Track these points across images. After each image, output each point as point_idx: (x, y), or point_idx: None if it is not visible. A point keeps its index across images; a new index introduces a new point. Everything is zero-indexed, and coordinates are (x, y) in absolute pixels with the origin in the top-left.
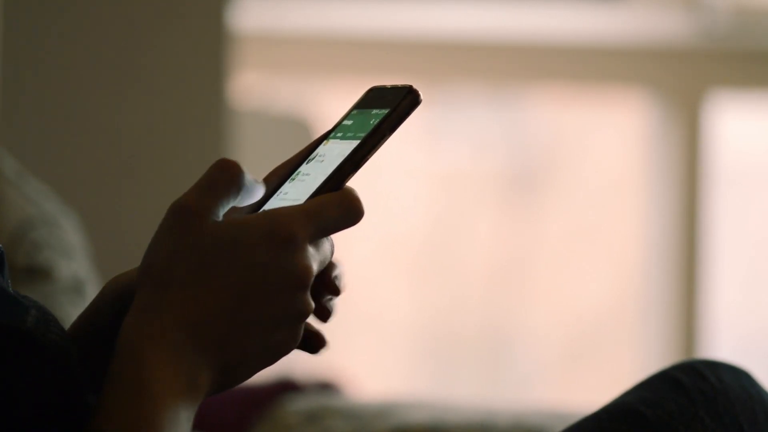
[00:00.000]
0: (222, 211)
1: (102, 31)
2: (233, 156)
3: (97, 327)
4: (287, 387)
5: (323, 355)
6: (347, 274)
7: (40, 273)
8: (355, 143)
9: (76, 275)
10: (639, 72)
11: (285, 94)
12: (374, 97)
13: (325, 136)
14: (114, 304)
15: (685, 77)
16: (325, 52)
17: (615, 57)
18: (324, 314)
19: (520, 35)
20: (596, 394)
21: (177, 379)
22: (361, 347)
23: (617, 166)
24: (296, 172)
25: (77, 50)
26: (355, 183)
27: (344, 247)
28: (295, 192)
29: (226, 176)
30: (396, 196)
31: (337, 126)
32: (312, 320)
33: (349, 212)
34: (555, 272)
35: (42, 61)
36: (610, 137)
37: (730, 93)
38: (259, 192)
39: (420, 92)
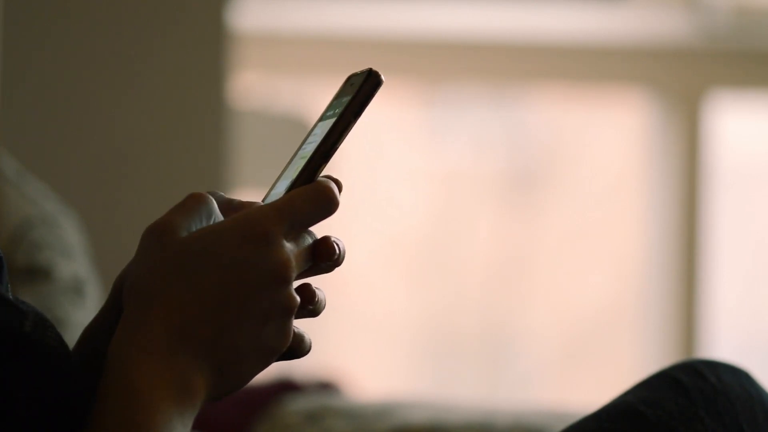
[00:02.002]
0: (194, 227)
1: (102, 31)
2: (233, 156)
3: (108, 328)
4: (287, 387)
5: (317, 354)
6: (347, 274)
7: (40, 273)
8: (324, 134)
9: (76, 275)
10: (639, 72)
11: (285, 94)
12: (348, 85)
13: (314, 126)
14: (115, 308)
15: (685, 77)
16: (325, 52)
17: (615, 57)
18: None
19: (520, 35)
20: (596, 394)
21: (168, 385)
22: (361, 347)
23: (617, 166)
24: (286, 167)
25: (77, 50)
26: (355, 183)
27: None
28: (281, 187)
29: (195, 201)
30: (396, 196)
31: (320, 118)
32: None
33: (322, 204)
34: (555, 272)
35: (42, 61)
36: (610, 137)
37: (730, 93)
38: None
39: (380, 73)
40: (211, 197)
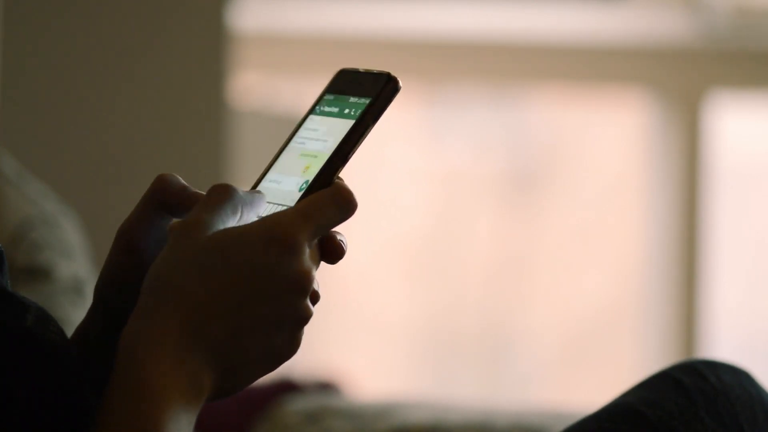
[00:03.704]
0: (221, 226)
1: (102, 31)
2: (233, 156)
3: (94, 331)
4: (287, 387)
5: (317, 354)
6: (348, 274)
7: (40, 273)
8: (339, 135)
9: (76, 275)
10: (639, 72)
11: (285, 94)
12: (348, 82)
13: (304, 119)
14: (102, 306)
15: (685, 77)
16: (325, 52)
17: (615, 57)
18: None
19: (520, 35)
20: (596, 394)
21: (178, 381)
22: (361, 347)
23: (617, 166)
24: (280, 155)
25: (77, 50)
26: (355, 183)
27: None
28: (289, 185)
29: (221, 194)
30: (396, 196)
31: (313, 109)
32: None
33: (344, 207)
34: (555, 272)
35: (42, 61)
36: (610, 137)
37: (730, 93)
38: (261, 202)
39: (399, 79)
40: (234, 187)
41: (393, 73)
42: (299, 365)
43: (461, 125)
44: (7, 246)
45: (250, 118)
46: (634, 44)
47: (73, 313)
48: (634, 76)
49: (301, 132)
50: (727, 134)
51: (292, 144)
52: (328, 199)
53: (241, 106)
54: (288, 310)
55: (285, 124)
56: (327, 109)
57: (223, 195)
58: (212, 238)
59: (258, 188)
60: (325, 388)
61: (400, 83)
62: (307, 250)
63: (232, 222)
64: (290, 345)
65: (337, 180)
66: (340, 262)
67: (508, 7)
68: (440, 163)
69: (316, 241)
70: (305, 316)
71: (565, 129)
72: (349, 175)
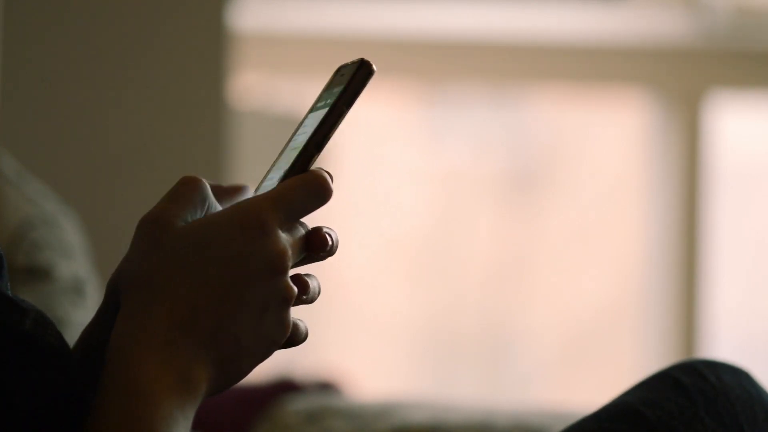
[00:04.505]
0: (189, 218)
1: (102, 31)
2: (233, 156)
3: (101, 331)
4: (287, 387)
5: (317, 354)
6: (348, 274)
7: (40, 273)
8: (316, 124)
9: (76, 275)
10: (639, 72)
11: (285, 94)
12: (338, 76)
13: (304, 118)
14: (111, 308)
15: (685, 77)
16: (325, 52)
17: (615, 57)
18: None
19: (520, 35)
20: (596, 394)
21: (170, 377)
22: (361, 347)
23: (617, 165)
24: (277, 159)
25: (77, 50)
26: (355, 183)
27: (344, 248)
28: (274, 178)
29: (189, 187)
30: (396, 197)
31: (311, 109)
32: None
33: (316, 193)
34: (555, 272)
35: (42, 61)
36: (610, 137)
37: (730, 93)
38: (245, 193)
39: (372, 63)
40: (203, 181)
41: (366, 58)
42: (299, 365)
43: (461, 125)
44: (7, 246)
45: (250, 118)
46: (634, 44)
47: (73, 313)
48: (634, 76)
49: (299, 129)
50: (727, 134)
51: (290, 142)
52: (299, 184)
53: (241, 106)
54: (269, 291)
55: (285, 124)
56: (319, 104)
57: (192, 188)
58: (185, 230)
59: (259, 188)
60: (325, 388)
61: (374, 66)
62: (280, 232)
63: (200, 214)
64: (279, 327)
65: (313, 168)
66: (340, 261)
67: (508, 7)
68: (440, 163)
69: (303, 231)
70: (287, 296)
71: (565, 129)
72: (349, 175)
